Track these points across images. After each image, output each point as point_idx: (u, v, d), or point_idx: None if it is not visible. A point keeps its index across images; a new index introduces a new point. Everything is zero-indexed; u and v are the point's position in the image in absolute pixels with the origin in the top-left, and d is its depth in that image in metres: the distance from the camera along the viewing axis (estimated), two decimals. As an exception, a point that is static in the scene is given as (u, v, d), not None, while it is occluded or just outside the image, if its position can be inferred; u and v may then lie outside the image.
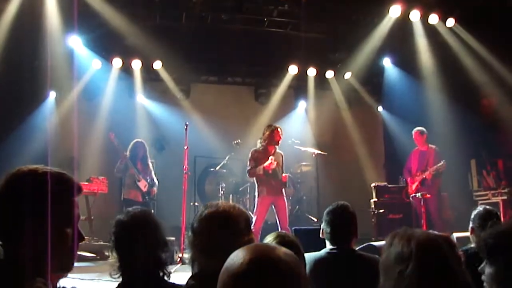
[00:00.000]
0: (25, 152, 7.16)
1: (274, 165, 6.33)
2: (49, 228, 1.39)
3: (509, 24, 7.48)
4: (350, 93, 10.24)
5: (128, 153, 7.37)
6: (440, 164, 7.22)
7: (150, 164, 7.62)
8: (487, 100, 8.72)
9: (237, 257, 1.07)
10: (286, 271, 1.03)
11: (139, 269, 2.24)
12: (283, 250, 1.08)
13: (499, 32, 7.76)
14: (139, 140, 7.62)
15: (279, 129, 6.58)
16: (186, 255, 2.04)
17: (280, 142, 6.58)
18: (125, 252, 2.27)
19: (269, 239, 2.64)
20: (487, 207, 3.37)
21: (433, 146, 7.56)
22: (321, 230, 3.01)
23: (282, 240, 2.61)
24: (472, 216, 3.29)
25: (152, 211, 6.30)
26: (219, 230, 1.86)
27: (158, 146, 7.76)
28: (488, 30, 7.85)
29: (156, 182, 7.53)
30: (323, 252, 2.95)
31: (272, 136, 6.52)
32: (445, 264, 1.55)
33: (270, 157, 6.35)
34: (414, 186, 7.53)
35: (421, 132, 7.55)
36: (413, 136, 7.61)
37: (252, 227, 2.05)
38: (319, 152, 8.14)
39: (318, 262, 2.84)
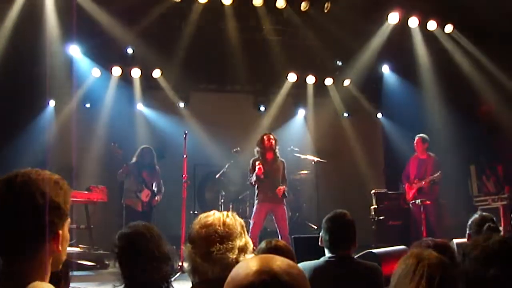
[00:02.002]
0: (24, 161, 7.15)
1: (262, 170, 6.40)
2: (61, 232, 1.40)
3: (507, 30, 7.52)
4: (349, 100, 10.23)
5: (134, 159, 7.39)
6: (436, 175, 7.23)
7: (158, 170, 7.61)
8: (486, 106, 8.73)
9: (243, 268, 1.09)
10: (291, 282, 1.05)
11: (142, 281, 2.29)
12: (287, 261, 1.11)
13: (498, 38, 7.80)
14: (146, 146, 7.62)
15: (265, 136, 6.72)
16: (186, 264, 2.07)
17: (272, 146, 6.64)
18: (128, 264, 2.32)
19: (262, 246, 2.66)
20: (483, 213, 3.42)
21: (432, 155, 7.56)
22: (320, 238, 3.02)
23: (274, 247, 2.65)
24: (469, 223, 3.34)
25: (152, 221, 6.29)
26: (216, 236, 1.92)
27: (157, 155, 7.79)
28: (487, 35, 7.88)
29: (163, 189, 7.54)
30: (322, 260, 2.95)
31: (261, 144, 6.67)
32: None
33: (257, 163, 6.46)
34: (411, 194, 7.55)
35: (423, 140, 7.55)
36: (415, 142, 7.61)
37: (249, 233, 2.09)
38: (318, 159, 8.17)
39: (317, 270, 2.85)
